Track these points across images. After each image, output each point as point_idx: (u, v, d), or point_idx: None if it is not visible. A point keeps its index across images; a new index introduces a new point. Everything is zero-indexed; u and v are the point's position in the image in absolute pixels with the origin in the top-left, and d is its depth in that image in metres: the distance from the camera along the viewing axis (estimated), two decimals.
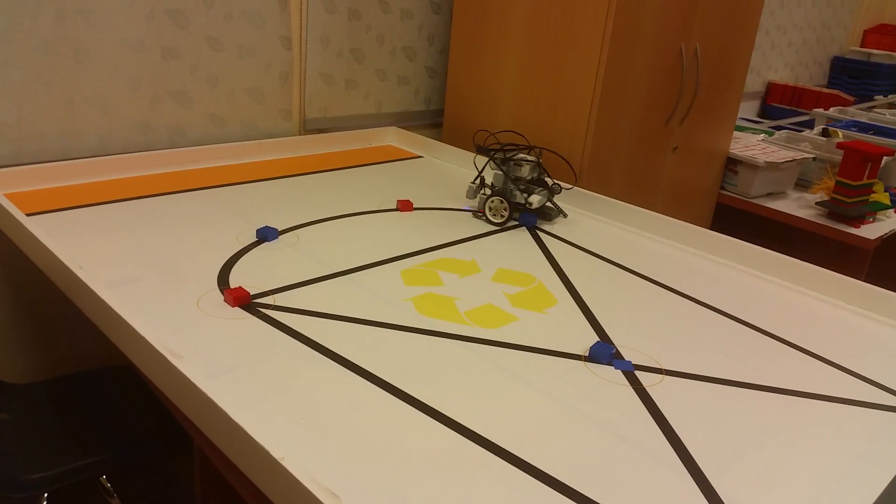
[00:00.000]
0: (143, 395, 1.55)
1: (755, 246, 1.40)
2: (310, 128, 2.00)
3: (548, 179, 1.59)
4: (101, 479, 1.43)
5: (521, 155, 1.55)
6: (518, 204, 1.53)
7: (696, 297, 1.25)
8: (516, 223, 1.56)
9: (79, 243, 1.23)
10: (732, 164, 2.40)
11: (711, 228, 1.48)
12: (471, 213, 1.57)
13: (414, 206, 1.59)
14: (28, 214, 1.33)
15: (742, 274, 1.38)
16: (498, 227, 1.51)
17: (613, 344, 1.07)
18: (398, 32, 2.12)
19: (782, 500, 0.77)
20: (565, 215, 1.60)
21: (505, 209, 1.52)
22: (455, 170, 1.90)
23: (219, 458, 0.91)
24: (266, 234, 1.33)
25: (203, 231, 1.34)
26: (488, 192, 1.57)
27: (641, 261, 1.40)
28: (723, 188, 2.46)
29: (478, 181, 1.59)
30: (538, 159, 1.55)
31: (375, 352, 0.98)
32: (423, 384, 0.92)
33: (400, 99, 2.21)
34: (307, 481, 0.66)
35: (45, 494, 1.40)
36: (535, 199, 1.50)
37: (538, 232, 1.52)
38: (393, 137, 2.14)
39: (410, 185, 1.73)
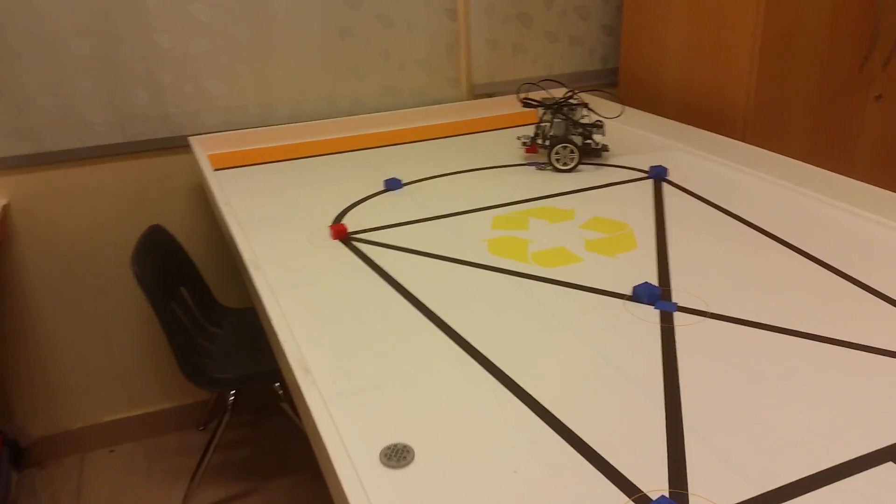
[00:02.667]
0: None
1: None
2: (478, 93, 2.13)
3: (593, 117, 1.59)
4: (274, 386, 1.74)
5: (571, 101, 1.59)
6: (581, 147, 1.54)
7: (821, 258, 1.14)
8: (646, 174, 1.53)
9: (241, 190, 1.52)
10: None
11: None
12: (534, 167, 1.59)
13: None
14: (215, 170, 1.66)
15: None
16: (566, 171, 1.51)
17: (670, 287, 1.05)
18: None
19: (744, 445, 0.74)
20: (607, 149, 1.64)
21: (572, 154, 1.52)
22: (613, 125, 1.89)
23: None
24: (391, 185, 1.50)
25: (348, 182, 1.55)
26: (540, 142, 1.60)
27: (782, 221, 1.29)
28: None
29: (531, 136, 1.63)
30: (583, 101, 1.60)
31: (427, 279, 1.10)
32: (451, 307, 1.01)
33: (572, 59, 2.23)
34: (293, 359, 0.81)
35: (233, 392, 1.75)
36: (599, 138, 1.51)
37: (665, 183, 1.48)
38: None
39: None
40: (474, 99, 2.13)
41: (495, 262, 1.16)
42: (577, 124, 1.57)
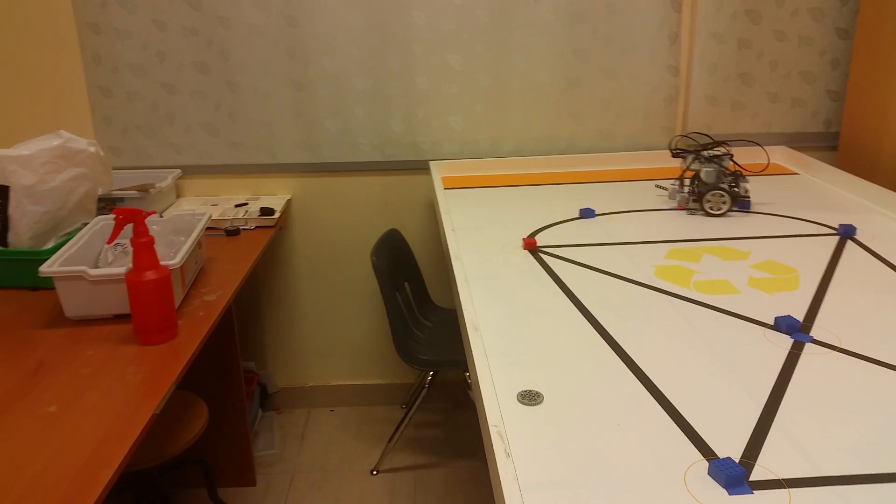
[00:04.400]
0: None
1: None
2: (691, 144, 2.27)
3: (734, 167, 1.72)
4: (465, 374, 2.02)
5: (719, 150, 1.73)
6: (730, 193, 1.66)
7: None
8: (835, 231, 1.59)
9: (461, 205, 1.84)
10: None
11: None
12: (675, 211, 1.73)
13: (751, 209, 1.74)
14: (445, 188, 2.01)
15: None
16: (712, 215, 1.58)
17: (812, 324, 1.15)
18: (794, 58, 2.21)
19: (823, 444, 0.85)
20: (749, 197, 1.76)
21: (724, 201, 1.63)
22: (825, 187, 1.93)
23: None
24: (585, 213, 1.73)
25: (550, 209, 1.80)
26: (686, 189, 1.74)
27: None
28: None
29: (678, 182, 1.76)
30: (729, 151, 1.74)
31: (592, 288, 1.31)
32: (604, 309, 1.21)
33: (793, 120, 2.28)
34: (468, 319, 1.07)
35: (431, 373, 2.07)
36: (745, 188, 1.65)
37: (852, 241, 1.53)
38: (780, 156, 2.23)
39: (765, 194, 1.86)
40: None
41: (659, 283, 1.33)
42: (727, 173, 1.69)
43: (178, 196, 2.26)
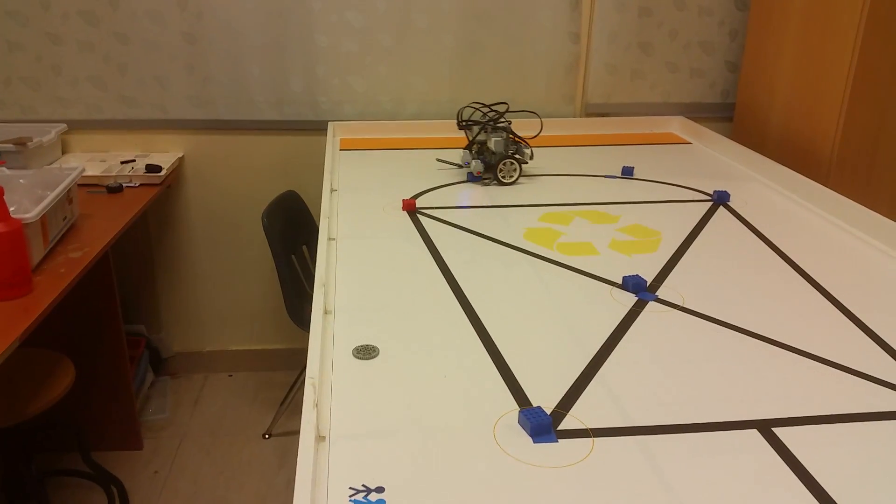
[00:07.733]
0: None
1: None
2: (591, 112, 2.29)
3: (511, 135, 1.72)
4: None
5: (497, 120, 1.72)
6: (518, 161, 1.69)
7: (831, 291, 1.21)
8: (709, 197, 1.63)
9: (354, 166, 1.81)
10: None
11: None
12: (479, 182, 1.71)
13: (635, 176, 1.77)
14: (342, 150, 1.98)
15: None
16: (511, 184, 1.61)
17: (661, 285, 1.18)
18: (694, 28, 2.24)
19: (637, 396, 0.87)
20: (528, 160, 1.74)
21: (514, 169, 1.67)
22: (714, 157, 1.96)
23: None
24: (473, 177, 1.72)
25: (443, 172, 1.79)
26: (475, 160, 1.70)
27: (812, 254, 1.36)
28: None
29: (469, 153, 1.73)
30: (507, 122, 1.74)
31: (458, 248, 1.31)
32: (465, 267, 1.22)
33: (692, 90, 2.32)
34: (318, 277, 1.06)
35: None
36: (527, 154, 1.69)
37: (724, 207, 1.57)
38: (677, 126, 2.27)
39: (652, 163, 1.89)
40: (586, 117, 2.29)
41: (524, 245, 1.34)
42: (512, 142, 1.71)
43: (65, 151, 2.17)
